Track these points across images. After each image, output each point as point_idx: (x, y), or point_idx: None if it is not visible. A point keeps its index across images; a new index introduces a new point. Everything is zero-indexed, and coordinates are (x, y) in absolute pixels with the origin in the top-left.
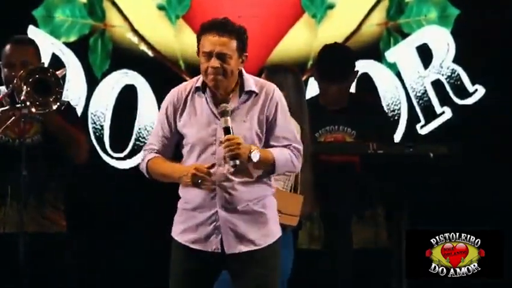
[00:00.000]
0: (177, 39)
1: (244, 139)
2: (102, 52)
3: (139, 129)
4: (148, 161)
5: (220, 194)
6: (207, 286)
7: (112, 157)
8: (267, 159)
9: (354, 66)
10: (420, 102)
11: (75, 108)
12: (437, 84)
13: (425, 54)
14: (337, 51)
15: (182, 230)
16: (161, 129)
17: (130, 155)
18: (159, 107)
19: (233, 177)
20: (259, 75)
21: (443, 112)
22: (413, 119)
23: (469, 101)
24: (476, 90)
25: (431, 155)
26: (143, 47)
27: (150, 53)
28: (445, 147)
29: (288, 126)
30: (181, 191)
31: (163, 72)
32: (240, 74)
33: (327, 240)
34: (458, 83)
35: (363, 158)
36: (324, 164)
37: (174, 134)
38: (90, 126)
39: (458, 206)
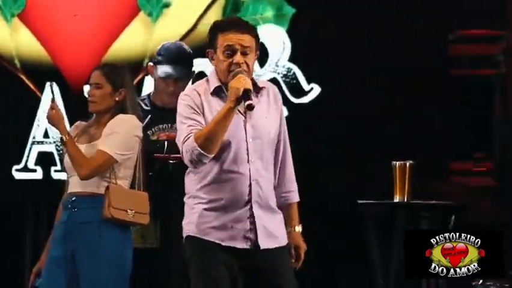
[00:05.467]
0: (12, 38)
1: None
2: None
3: None
4: (192, 136)
5: (255, 189)
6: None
7: None
8: None
9: (192, 66)
10: None
11: None
12: (272, 83)
13: (260, 52)
14: (176, 50)
15: (212, 228)
16: (191, 118)
17: None
18: None
19: (264, 173)
20: None
21: None
22: None
23: (305, 99)
24: (312, 88)
25: None
26: None
27: None
28: None
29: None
30: (205, 191)
31: None
32: None
33: (162, 239)
34: (294, 81)
35: None
36: (160, 162)
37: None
38: None
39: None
